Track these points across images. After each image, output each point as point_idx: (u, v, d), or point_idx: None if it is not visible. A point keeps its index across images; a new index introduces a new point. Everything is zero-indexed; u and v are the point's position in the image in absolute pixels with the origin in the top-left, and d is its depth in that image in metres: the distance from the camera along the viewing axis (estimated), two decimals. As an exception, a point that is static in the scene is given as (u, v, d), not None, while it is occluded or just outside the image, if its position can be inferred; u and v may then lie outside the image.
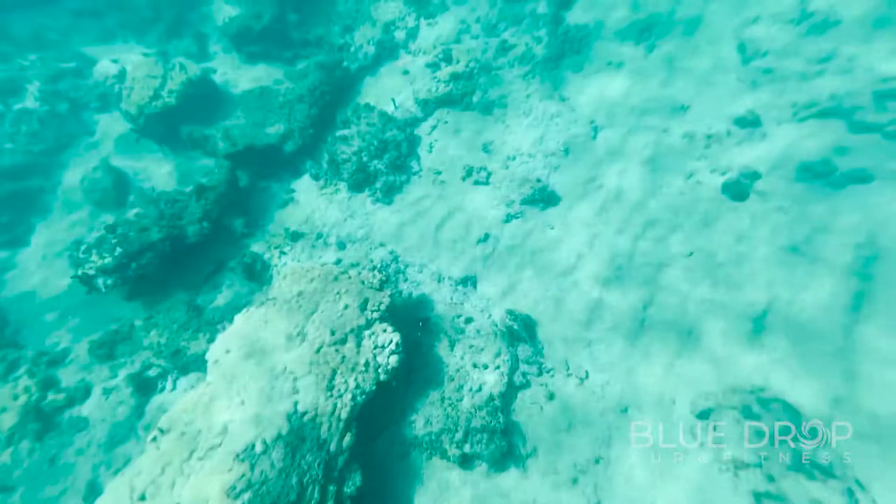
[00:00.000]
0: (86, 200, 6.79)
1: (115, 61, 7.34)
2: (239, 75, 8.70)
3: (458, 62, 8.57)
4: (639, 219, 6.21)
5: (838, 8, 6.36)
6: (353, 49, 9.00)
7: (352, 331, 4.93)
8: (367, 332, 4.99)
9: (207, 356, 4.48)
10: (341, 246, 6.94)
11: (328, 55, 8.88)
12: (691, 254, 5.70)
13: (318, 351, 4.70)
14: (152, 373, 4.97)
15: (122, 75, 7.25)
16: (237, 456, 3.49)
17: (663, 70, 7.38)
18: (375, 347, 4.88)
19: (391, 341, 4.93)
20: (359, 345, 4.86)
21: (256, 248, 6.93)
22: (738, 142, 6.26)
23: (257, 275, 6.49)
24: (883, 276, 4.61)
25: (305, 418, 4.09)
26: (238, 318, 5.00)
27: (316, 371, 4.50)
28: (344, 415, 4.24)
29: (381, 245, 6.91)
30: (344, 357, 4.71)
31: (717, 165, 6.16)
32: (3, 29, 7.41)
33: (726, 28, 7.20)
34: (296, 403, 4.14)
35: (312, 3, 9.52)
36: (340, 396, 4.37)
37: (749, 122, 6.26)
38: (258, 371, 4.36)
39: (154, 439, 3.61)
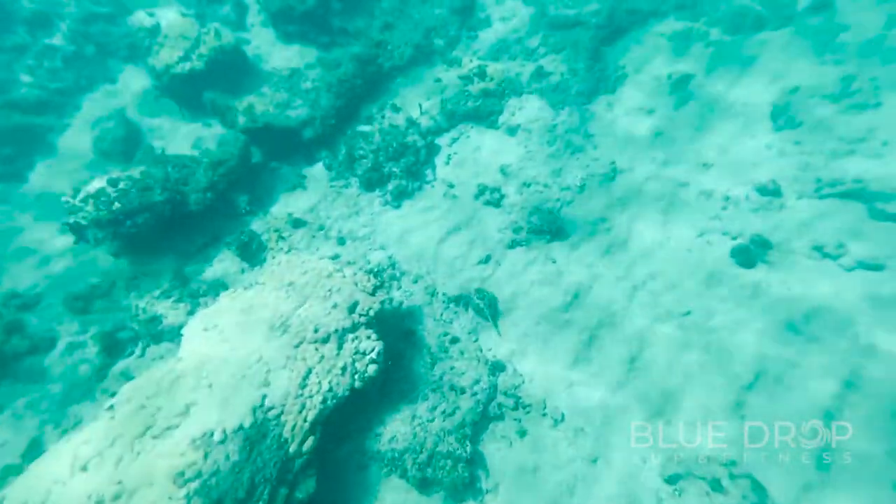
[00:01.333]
0: (93, 148, 6.67)
1: (151, 14, 7.28)
2: (272, 51, 8.66)
3: (491, 80, 8.55)
4: (642, 269, 6.14)
5: (882, 92, 6.36)
6: (389, 47, 8.96)
7: (336, 331, 4.80)
8: (350, 336, 4.87)
9: (184, 331, 4.35)
10: (341, 241, 6.83)
11: (364, 49, 8.83)
12: (688, 313, 5.62)
13: (297, 346, 4.57)
14: (123, 335, 4.81)
15: (155, 30, 7.17)
16: (193, 441, 3.34)
17: (693, 124, 7.36)
18: (356, 353, 4.76)
19: (373, 349, 4.80)
20: (340, 347, 4.73)
21: (256, 227, 6.81)
22: (756, 209, 6.21)
23: (252, 254, 6.37)
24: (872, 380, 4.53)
25: (271, 413, 3.95)
26: (224, 296, 4.87)
27: (291, 366, 4.37)
28: (310, 416, 4.10)
29: (382, 248, 6.81)
30: (322, 357, 4.58)
31: (730, 229, 6.10)
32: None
33: (763, 93, 7.19)
34: (264, 397, 4.00)
35: (358, -6, 9.53)
36: (311, 397, 4.24)
37: (770, 191, 6.22)
38: (233, 356, 4.23)
39: (111, 407, 3.46)
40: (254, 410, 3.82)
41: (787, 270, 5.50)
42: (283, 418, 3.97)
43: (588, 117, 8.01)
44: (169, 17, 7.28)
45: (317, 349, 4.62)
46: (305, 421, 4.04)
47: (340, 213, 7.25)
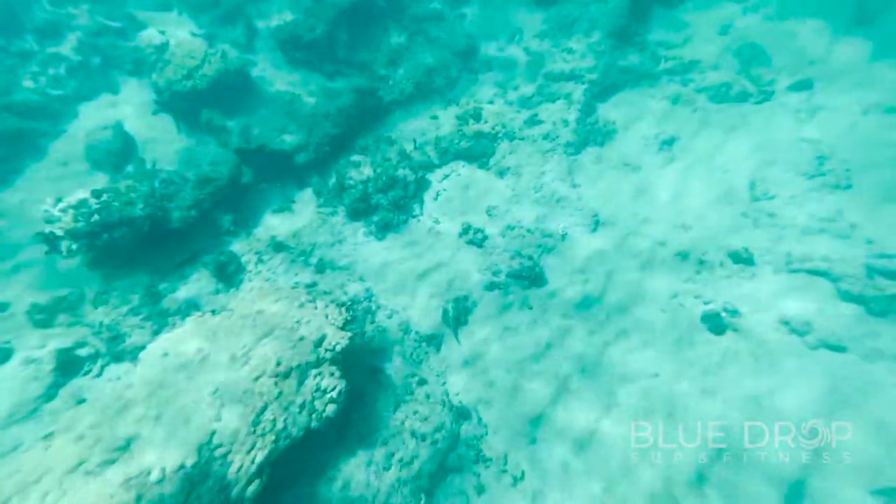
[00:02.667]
0: (85, 156, 6.72)
1: (161, 32, 7.51)
2: (276, 76, 8.91)
3: (486, 122, 8.82)
4: (615, 324, 6.18)
5: (854, 173, 6.59)
6: (391, 82, 9.26)
7: (298, 366, 4.75)
8: (313, 371, 4.81)
9: (141, 354, 4.28)
10: (320, 269, 6.84)
11: (367, 81, 9.12)
12: (657, 375, 5.63)
13: (256, 379, 4.50)
14: (83, 352, 4.71)
15: (163, 48, 7.39)
16: (127, 480, 3.23)
17: (676, 185, 7.56)
18: (317, 390, 4.69)
19: (334, 388, 4.74)
20: (301, 383, 4.67)
21: (237, 247, 6.82)
22: (728, 275, 6.32)
23: (228, 276, 6.34)
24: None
25: (218, 452, 3.84)
26: (189, 320, 4.82)
27: (247, 401, 4.29)
28: (259, 458, 3.99)
29: (361, 279, 6.82)
30: (281, 392, 4.51)
31: (703, 293, 6.18)
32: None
33: (744, 162, 7.44)
34: (213, 433, 3.91)
35: (367, 30, 9.90)
36: (263, 436, 4.14)
37: (743, 259, 6.35)
38: (187, 386, 4.15)
39: (47, 436, 3.36)
40: (200, 448, 3.72)
41: (755, 342, 5.55)
42: (229, 458, 3.87)
43: (576, 167, 8.22)
44: (178, 36, 7.52)
45: (276, 384, 4.55)
46: (253, 462, 3.93)
47: (324, 240, 7.29)
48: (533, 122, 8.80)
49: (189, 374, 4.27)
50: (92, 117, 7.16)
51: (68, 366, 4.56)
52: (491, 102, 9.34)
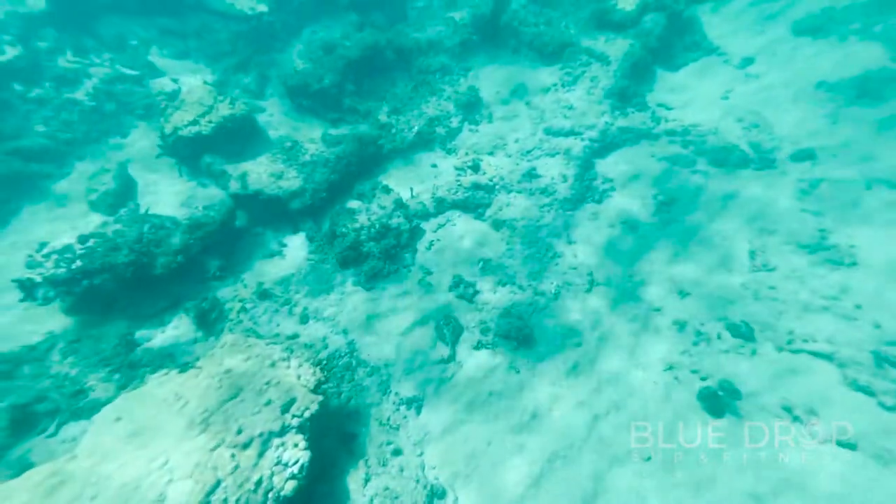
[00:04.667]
0: (83, 198, 6.86)
1: (174, 80, 7.86)
2: (282, 122, 9.17)
3: (483, 174, 8.85)
4: (606, 396, 5.81)
5: (860, 252, 6.29)
6: (393, 130, 9.45)
7: (261, 434, 4.48)
8: (276, 441, 4.53)
9: (94, 418, 4.08)
10: (304, 320, 6.68)
11: (369, 129, 9.32)
12: (649, 458, 5.20)
13: (212, 449, 4.23)
14: (42, 408, 4.53)
15: (174, 94, 7.70)
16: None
17: (673, 248, 7.36)
18: (277, 463, 4.39)
19: (296, 461, 4.43)
20: (261, 455, 4.38)
21: (224, 293, 6.72)
22: (727, 349, 5.97)
23: (210, 324, 6.21)
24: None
25: (156, 537, 3.54)
26: (152, 379, 4.64)
27: (198, 476, 4.01)
28: (202, 544, 3.67)
29: (344, 332, 6.61)
30: (237, 466, 4.22)
31: (700, 367, 5.83)
32: (93, 26, 8.09)
33: (742, 230, 7.24)
34: (154, 515, 3.62)
35: (374, 81, 10.25)
36: (210, 518, 3.83)
37: (742, 333, 6.01)
38: (135, 457, 3.91)
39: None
40: (135, 533, 3.43)
41: (755, 429, 5.13)
42: (168, 544, 3.56)
43: (572, 223, 8.10)
44: (190, 83, 7.84)
45: (234, 455, 4.27)
46: (194, 550, 3.61)
47: (311, 288, 7.17)
48: (531, 175, 8.80)
49: (140, 444, 4.04)
50: (97, 161, 7.38)
51: (22, 424, 4.35)
52: (491, 154, 9.42)
